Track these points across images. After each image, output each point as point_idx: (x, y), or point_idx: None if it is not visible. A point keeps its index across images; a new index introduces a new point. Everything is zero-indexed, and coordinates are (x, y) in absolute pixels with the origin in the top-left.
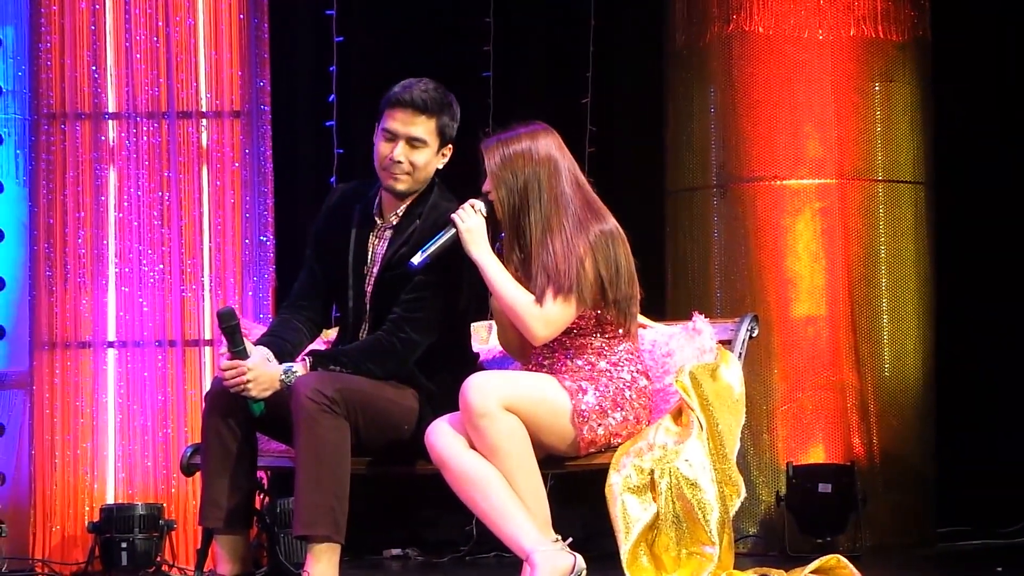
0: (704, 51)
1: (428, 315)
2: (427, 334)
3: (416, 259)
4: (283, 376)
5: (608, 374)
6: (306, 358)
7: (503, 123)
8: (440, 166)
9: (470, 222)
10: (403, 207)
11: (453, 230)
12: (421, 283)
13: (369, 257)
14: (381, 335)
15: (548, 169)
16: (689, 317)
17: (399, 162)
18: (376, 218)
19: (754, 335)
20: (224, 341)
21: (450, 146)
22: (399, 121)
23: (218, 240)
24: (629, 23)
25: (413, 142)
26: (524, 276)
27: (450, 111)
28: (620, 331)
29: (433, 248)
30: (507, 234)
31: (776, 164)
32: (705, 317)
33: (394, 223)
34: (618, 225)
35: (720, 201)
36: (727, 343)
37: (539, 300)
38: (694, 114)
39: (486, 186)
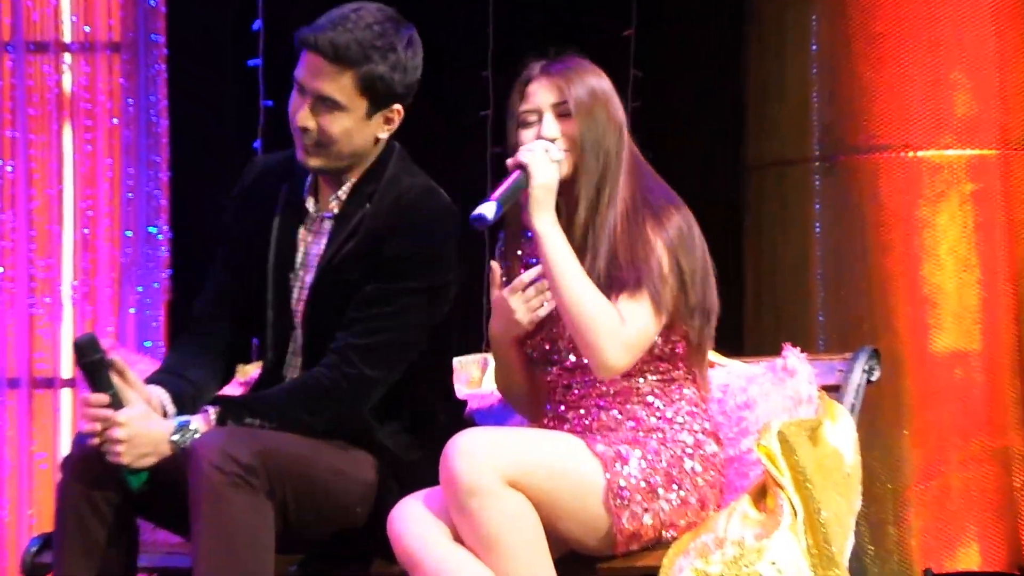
0: None
1: (389, 340)
2: (387, 368)
3: (488, 209)
4: (175, 436)
5: (661, 435)
6: (210, 408)
7: (508, 68)
8: (382, 135)
9: (545, 175)
10: (346, 187)
11: (523, 177)
12: (379, 293)
13: (299, 259)
14: (319, 372)
15: (623, 124)
16: (778, 352)
17: (305, 128)
18: (308, 204)
19: (874, 378)
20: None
21: (396, 108)
22: (306, 69)
23: (86, 231)
24: None
25: (322, 102)
26: None
27: (389, 59)
28: (682, 370)
29: (505, 194)
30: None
31: (908, 127)
32: (801, 351)
33: (335, 211)
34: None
35: (825, 181)
36: (833, 390)
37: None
38: (787, 54)
39: (546, 131)
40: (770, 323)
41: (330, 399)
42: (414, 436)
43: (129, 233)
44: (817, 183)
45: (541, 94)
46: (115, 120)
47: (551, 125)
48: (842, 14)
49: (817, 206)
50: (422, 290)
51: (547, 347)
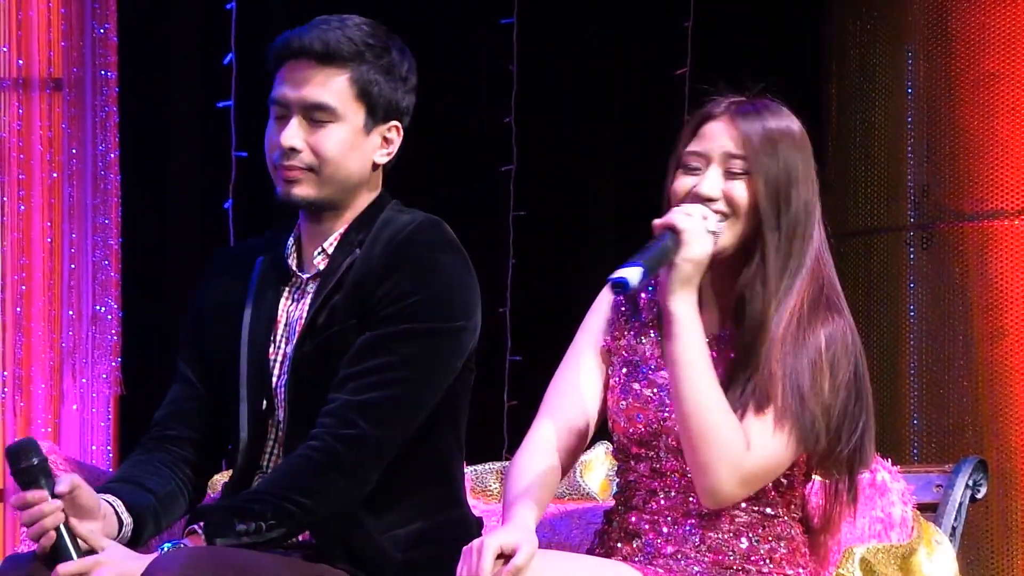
0: None
1: (392, 395)
2: (392, 427)
3: (632, 274)
4: None
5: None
6: (196, 526)
7: (535, 115)
8: (379, 158)
9: (698, 247)
10: (333, 238)
11: (671, 241)
12: (373, 341)
13: (279, 330)
14: (309, 445)
15: (814, 192)
16: None
17: (293, 149)
18: (291, 261)
19: (980, 496)
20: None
21: (394, 125)
22: (289, 81)
23: (18, 310)
24: None
25: (312, 114)
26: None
27: (383, 60)
28: (789, 508)
29: (652, 258)
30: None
31: None
32: (892, 463)
33: (320, 267)
34: None
35: (921, 254)
36: (930, 509)
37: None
38: (876, 97)
39: (706, 187)
40: None
41: (328, 471)
42: (416, 535)
43: (71, 313)
44: (911, 256)
45: (716, 138)
46: (54, 174)
47: (714, 181)
48: (944, 51)
49: (911, 284)
50: (426, 333)
51: (649, 438)
